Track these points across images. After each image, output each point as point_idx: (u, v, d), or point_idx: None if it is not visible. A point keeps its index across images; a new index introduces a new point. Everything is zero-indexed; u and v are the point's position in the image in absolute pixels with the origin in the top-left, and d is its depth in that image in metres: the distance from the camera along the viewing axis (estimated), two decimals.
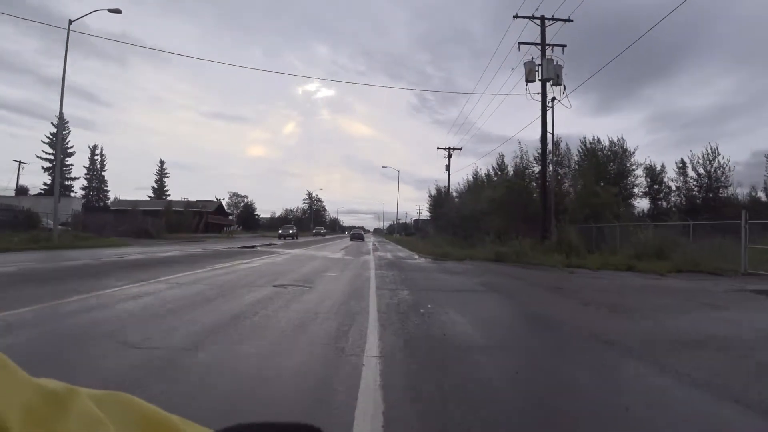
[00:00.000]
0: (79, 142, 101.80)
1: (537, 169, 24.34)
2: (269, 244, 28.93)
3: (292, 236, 45.95)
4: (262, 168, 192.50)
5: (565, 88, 21.09)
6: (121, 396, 0.40)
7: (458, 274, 12.01)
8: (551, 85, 20.98)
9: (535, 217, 22.87)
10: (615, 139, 27.55)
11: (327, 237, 66.37)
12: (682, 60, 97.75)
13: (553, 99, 21.14)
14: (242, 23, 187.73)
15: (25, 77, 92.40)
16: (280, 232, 47.85)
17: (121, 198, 65.20)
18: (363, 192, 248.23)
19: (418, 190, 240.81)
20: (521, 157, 24.62)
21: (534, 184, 24.33)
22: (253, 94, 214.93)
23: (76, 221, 31.39)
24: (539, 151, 25.06)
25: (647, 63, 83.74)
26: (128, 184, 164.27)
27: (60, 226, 30.96)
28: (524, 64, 21.17)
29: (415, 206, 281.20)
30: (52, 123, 61.96)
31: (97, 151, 69.23)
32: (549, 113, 21.05)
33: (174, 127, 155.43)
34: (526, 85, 21.14)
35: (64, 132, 63.05)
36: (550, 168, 21.76)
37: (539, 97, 21.05)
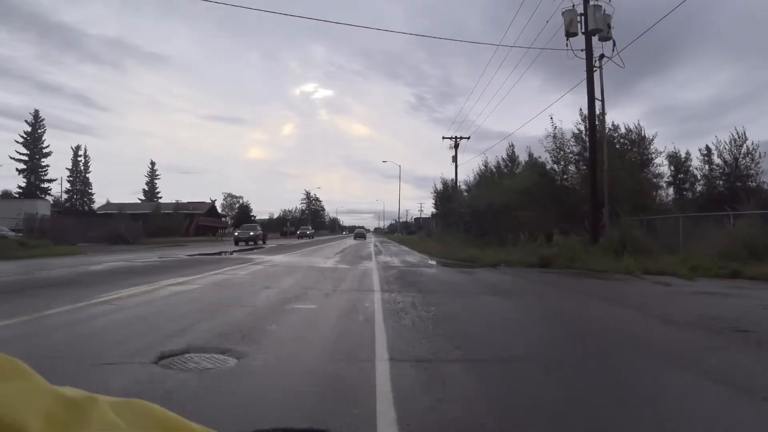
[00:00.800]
0: (76, 145, 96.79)
1: (575, 150, 19.76)
2: (252, 249, 24.56)
3: (255, 239, 31.29)
4: (261, 169, 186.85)
5: (615, 44, 16.60)
6: (141, 403, 0.39)
7: (509, 297, 7.53)
8: (598, 39, 16.49)
9: (574, 210, 18.37)
10: (632, 126, 23.51)
11: (316, 239, 51.13)
12: (678, 53, 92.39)
13: (602, 56, 16.62)
14: (239, 25, 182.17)
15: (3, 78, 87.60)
16: (236, 234, 32.39)
17: (111, 201, 61.18)
18: (362, 191, 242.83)
19: (417, 188, 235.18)
20: (554, 136, 19.90)
21: (573, 168, 19.71)
22: (251, 96, 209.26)
23: (30, 226, 26.93)
24: (578, 127, 20.63)
25: (643, 56, 78.62)
26: (125, 188, 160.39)
27: (11, 232, 26.71)
28: (563, 13, 16.62)
29: (415, 204, 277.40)
30: (26, 121, 57.70)
31: (80, 152, 64.98)
32: (596, 77, 16.59)
33: (171, 131, 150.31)
34: (567, 39, 16.62)
35: (39, 131, 58.81)
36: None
37: (583, 54, 16.54)
